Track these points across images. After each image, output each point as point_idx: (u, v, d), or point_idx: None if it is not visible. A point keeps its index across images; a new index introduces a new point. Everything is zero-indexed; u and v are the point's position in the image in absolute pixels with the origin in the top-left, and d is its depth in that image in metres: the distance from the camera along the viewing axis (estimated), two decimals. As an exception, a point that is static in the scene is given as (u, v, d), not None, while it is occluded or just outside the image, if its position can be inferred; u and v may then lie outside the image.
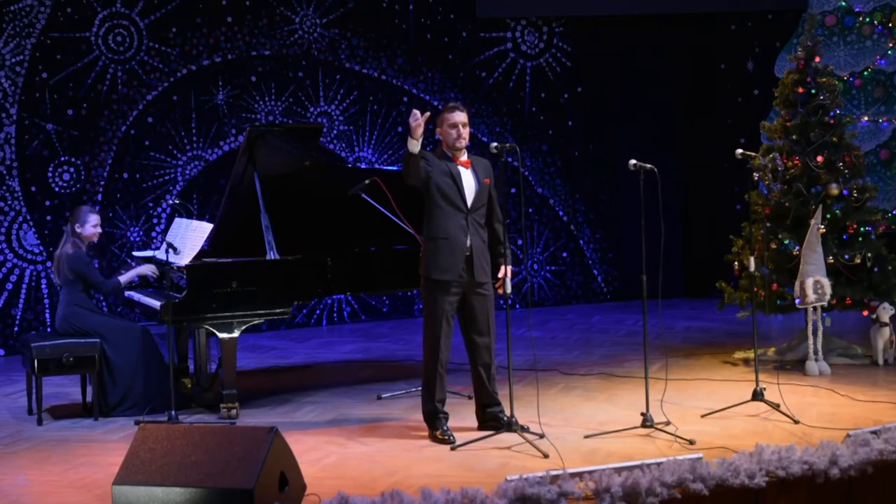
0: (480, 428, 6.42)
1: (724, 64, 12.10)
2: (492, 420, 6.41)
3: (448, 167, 6.27)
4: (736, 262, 8.40)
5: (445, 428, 6.29)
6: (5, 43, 9.69)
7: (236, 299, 6.97)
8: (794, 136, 8.38)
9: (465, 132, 6.28)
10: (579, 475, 5.17)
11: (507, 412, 6.25)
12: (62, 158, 9.90)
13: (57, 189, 9.89)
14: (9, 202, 9.76)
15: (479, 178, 6.32)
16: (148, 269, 7.41)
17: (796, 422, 6.41)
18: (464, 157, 6.33)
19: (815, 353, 7.91)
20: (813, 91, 8.36)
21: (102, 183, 10.11)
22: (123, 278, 7.38)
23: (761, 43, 11.85)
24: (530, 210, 11.84)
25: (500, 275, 6.35)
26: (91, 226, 7.26)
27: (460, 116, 6.27)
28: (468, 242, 6.24)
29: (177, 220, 7.76)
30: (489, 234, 6.40)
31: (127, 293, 7.78)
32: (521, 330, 9.86)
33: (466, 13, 11.49)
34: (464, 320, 6.39)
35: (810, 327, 7.92)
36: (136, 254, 8.29)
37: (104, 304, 9.97)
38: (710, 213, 12.16)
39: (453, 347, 6.38)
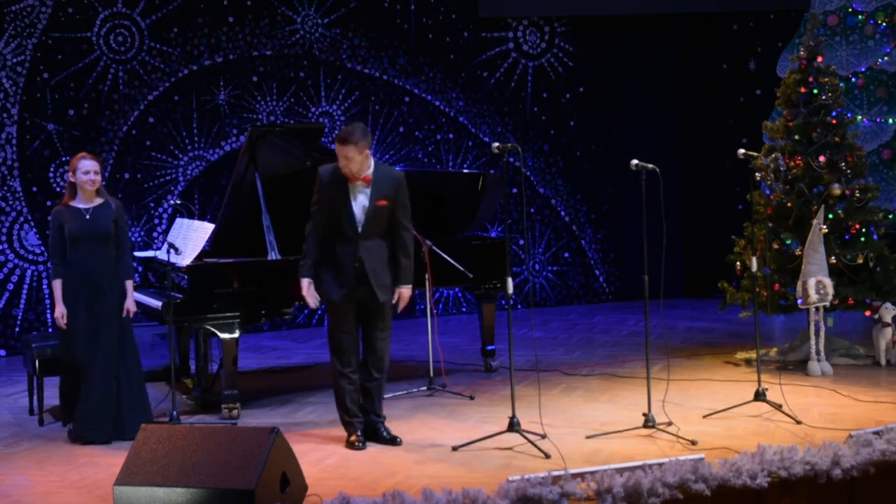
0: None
1: (725, 64, 12.09)
2: (371, 430, 6.28)
3: (341, 194, 6.09)
4: (738, 263, 8.40)
5: (359, 434, 6.21)
6: (6, 43, 9.68)
7: (237, 300, 6.97)
8: (796, 136, 8.37)
9: (354, 161, 6.01)
10: (581, 476, 5.17)
11: (510, 413, 6.24)
12: (63, 158, 9.89)
13: (58, 189, 9.88)
14: (10, 202, 9.76)
15: (373, 200, 6.09)
16: (58, 312, 6.51)
17: (798, 422, 6.40)
18: (367, 172, 6.12)
19: (818, 353, 7.89)
20: (815, 91, 8.35)
21: (104, 183, 10.04)
22: (57, 289, 6.54)
23: (763, 42, 11.84)
24: (532, 210, 11.83)
25: (395, 300, 6.23)
26: (81, 172, 6.61)
27: (342, 150, 5.99)
28: (359, 269, 6.09)
29: (178, 220, 7.75)
30: (392, 248, 6.21)
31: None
32: (522, 330, 9.85)
33: (468, 13, 11.49)
34: (363, 333, 6.31)
35: (812, 328, 7.91)
36: (137, 254, 8.29)
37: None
38: (712, 213, 12.15)
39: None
